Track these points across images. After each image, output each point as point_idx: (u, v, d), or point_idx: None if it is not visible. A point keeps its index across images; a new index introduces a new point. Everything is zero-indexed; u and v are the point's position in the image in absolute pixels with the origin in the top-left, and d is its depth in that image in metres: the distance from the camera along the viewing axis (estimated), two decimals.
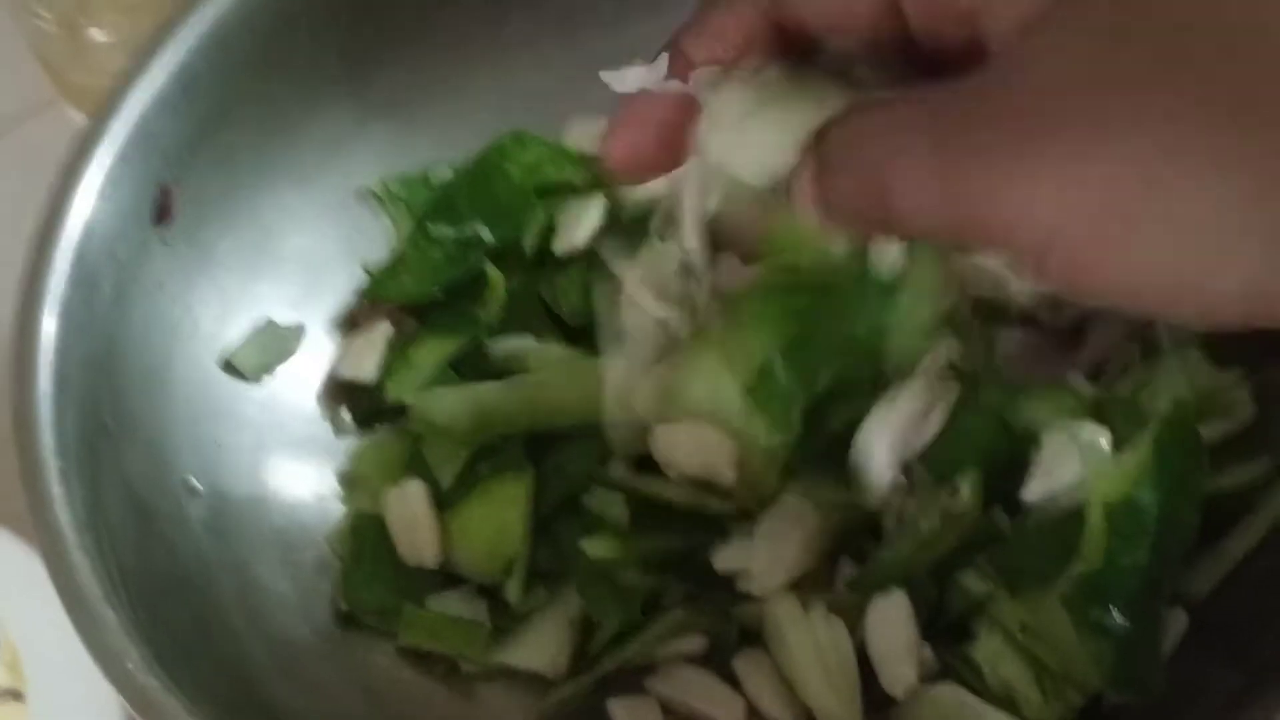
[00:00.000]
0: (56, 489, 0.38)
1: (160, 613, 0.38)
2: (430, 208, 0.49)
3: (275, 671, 0.41)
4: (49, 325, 0.40)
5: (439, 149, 0.50)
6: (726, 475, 0.40)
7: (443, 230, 0.48)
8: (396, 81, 0.49)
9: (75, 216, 0.42)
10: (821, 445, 0.40)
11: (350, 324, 0.49)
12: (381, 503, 0.44)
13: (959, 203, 0.26)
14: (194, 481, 0.43)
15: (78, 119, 0.55)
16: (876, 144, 0.28)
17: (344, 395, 0.48)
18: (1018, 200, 0.25)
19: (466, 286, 0.47)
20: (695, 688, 0.41)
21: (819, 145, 0.29)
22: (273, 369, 0.47)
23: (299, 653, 0.42)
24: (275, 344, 0.47)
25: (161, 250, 0.44)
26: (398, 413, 0.46)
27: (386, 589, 0.43)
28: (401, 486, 0.44)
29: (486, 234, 0.48)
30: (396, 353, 0.47)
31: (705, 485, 0.41)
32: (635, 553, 0.41)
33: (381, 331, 0.47)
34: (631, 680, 0.42)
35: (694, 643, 0.42)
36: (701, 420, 0.40)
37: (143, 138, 0.43)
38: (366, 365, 0.47)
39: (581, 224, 0.47)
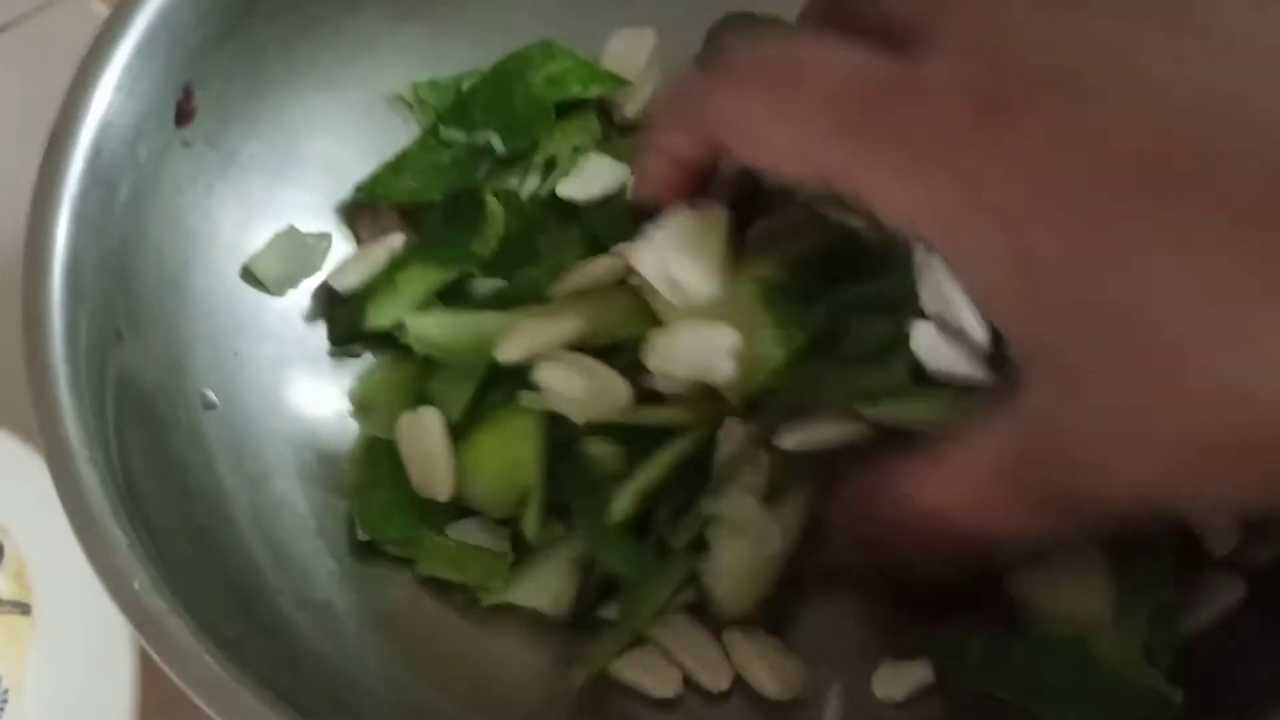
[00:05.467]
0: (66, 398, 0.36)
1: (171, 531, 0.37)
2: (446, 111, 0.46)
3: (289, 596, 0.39)
4: (63, 226, 0.38)
5: (474, 55, 0.47)
6: (724, 369, 0.38)
7: (453, 134, 0.46)
8: None
9: (92, 114, 0.40)
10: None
11: (350, 227, 0.46)
12: (395, 430, 0.42)
13: None
14: (210, 395, 0.42)
15: (101, 9, 0.53)
16: None
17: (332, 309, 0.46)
18: None
19: (465, 215, 0.45)
20: (688, 643, 0.40)
21: None
22: (297, 282, 0.45)
23: (314, 576, 0.41)
24: (298, 252, 0.45)
25: (182, 152, 0.43)
26: (376, 339, 0.44)
27: (406, 518, 0.41)
28: (416, 415, 0.42)
29: (498, 143, 0.46)
30: (383, 275, 0.44)
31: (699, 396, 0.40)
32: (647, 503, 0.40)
33: (388, 244, 0.45)
34: None
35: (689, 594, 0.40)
36: (704, 317, 0.39)
37: (165, 31, 0.41)
38: (351, 277, 0.45)
39: (599, 178, 0.45)
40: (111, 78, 0.40)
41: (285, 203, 0.45)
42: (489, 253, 0.44)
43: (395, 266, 0.44)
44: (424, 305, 0.44)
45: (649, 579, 0.40)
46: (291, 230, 0.45)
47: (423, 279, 0.44)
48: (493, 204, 0.45)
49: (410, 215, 0.47)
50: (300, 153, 0.46)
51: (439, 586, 0.42)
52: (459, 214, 0.45)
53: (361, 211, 0.47)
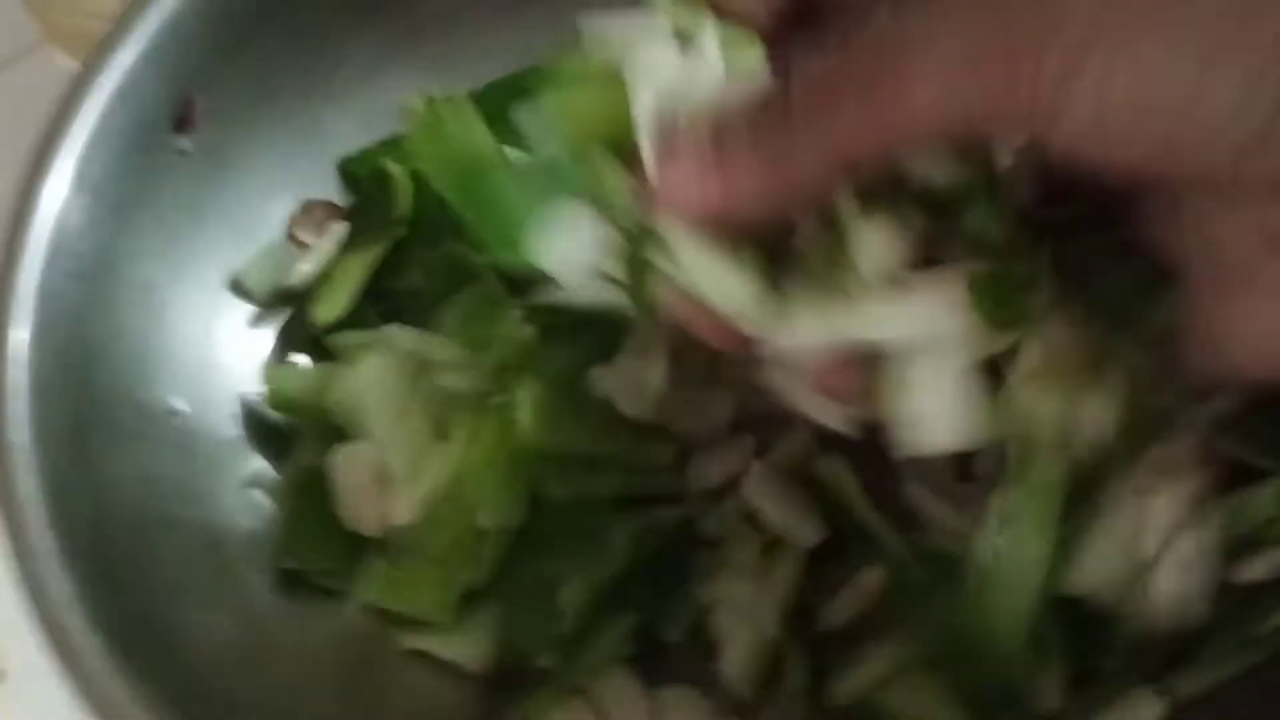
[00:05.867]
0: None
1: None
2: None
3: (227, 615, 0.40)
4: (40, 235, 0.39)
5: (484, 73, 0.47)
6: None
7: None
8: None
9: (85, 117, 0.40)
10: None
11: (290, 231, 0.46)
12: (328, 462, 0.41)
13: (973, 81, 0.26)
14: (176, 403, 0.42)
15: (65, 64, 0.53)
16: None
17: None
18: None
19: (379, 190, 0.45)
20: (619, 697, 0.39)
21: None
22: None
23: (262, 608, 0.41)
24: (288, 263, 0.45)
25: (177, 159, 0.43)
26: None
27: (332, 548, 0.41)
28: (352, 448, 0.41)
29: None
30: (322, 276, 0.45)
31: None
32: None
33: (334, 234, 0.45)
34: None
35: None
36: None
37: (171, 41, 0.42)
38: (305, 269, 0.45)
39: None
40: (111, 80, 0.41)
41: (279, 215, 0.46)
42: (406, 218, 0.45)
43: (332, 263, 0.45)
44: (359, 297, 0.44)
45: (589, 638, 0.40)
46: (282, 240, 0.45)
47: (357, 263, 0.44)
48: (398, 172, 0.45)
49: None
50: (299, 165, 0.46)
51: (378, 616, 0.41)
52: (373, 191, 0.45)
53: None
